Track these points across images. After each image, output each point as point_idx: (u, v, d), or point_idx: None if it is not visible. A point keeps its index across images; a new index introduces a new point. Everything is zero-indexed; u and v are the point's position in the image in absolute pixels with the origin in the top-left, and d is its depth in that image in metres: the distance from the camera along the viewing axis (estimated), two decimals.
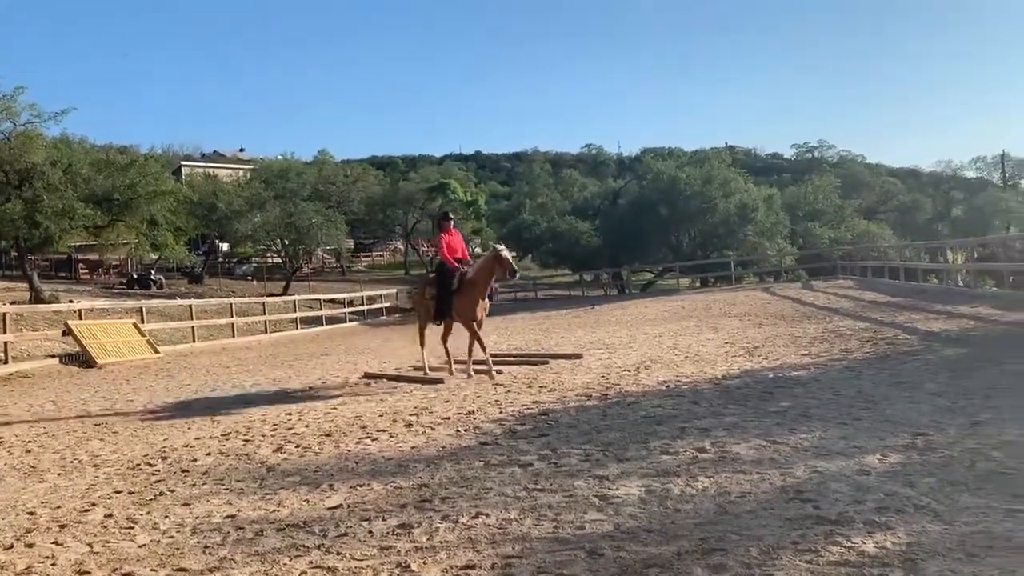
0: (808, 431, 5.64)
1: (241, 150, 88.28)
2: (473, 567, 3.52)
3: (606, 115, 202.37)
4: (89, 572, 3.89)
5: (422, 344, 11.17)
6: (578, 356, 11.94)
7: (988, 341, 9.96)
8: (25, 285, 29.27)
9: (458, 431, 6.76)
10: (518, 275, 10.83)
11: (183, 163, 66.86)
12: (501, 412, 7.51)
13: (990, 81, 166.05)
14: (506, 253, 10.33)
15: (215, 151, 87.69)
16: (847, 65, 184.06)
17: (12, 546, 4.42)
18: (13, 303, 21.63)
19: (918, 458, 4.72)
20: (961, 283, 21.31)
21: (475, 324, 10.26)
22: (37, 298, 27.15)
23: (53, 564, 4.06)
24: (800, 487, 4.29)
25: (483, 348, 10.27)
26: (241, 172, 58.92)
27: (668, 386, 8.31)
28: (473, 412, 7.61)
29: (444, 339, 11.10)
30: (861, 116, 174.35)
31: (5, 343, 16.02)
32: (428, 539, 3.96)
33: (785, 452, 5.11)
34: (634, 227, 41.57)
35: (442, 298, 10.42)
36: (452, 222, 11.20)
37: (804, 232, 45.12)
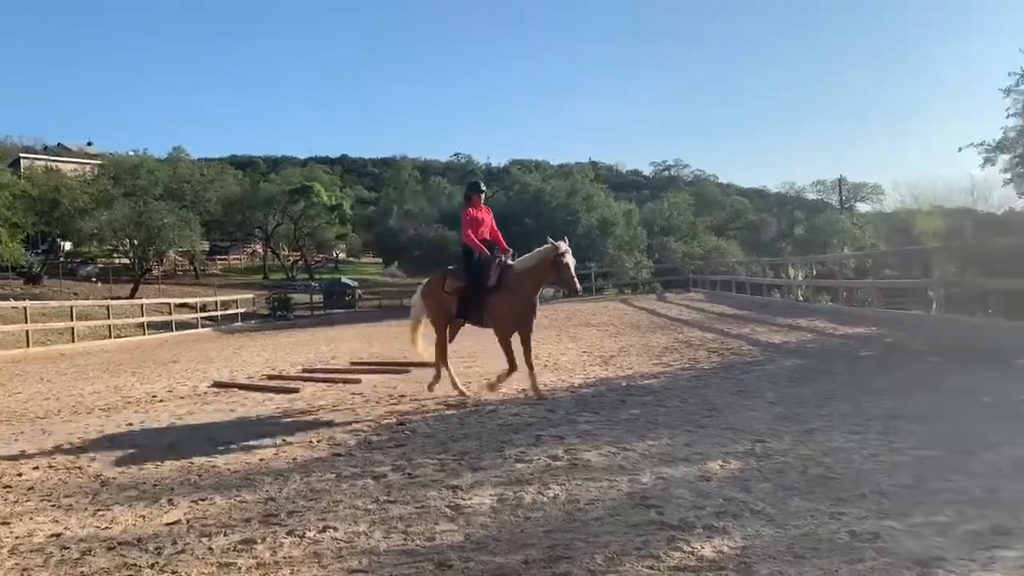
0: (656, 438, 5.83)
1: (89, 144, 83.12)
2: None
3: (477, 124, 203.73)
4: None
5: (442, 359, 8.75)
6: None
7: (823, 353, 10.64)
8: None
9: (311, 442, 6.57)
10: (579, 292, 8.53)
11: (22, 155, 62.09)
12: (357, 423, 7.36)
13: (832, 110, 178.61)
14: (570, 258, 7.86)
15: (60, 144, 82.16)
16: (704, 88, 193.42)
17: None
18: None
19: (756, 464, 4.95)
20: (801, 298, 22.72)
21: (514, 337, 8.19)
22: None
23: None
24: (646, 493, 4.42)
25: (530, 368, 8.14)
26: (88, 167, 55.34)
27: (527, 394, 8.39)
28: (328, 423, 7.41)
29: (442, 347, 8.73)
30: (715, 137, 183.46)
31: None
32: (271, 555, 3.81)
33: (633, 459, 5.25)
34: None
35: (471, 294, 8.22)
36: (483, 195, 8.76)
37: (660, 246, 47.04)
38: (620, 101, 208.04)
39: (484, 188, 8.86)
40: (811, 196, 72.39)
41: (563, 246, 7.80)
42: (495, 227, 8.72)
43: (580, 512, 4.16)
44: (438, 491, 4.74)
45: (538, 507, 4.31)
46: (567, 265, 7.77)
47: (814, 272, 24.84)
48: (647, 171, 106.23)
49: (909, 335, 11.70)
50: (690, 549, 3.51)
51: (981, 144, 14.00)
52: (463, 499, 4.54)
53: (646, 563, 3.38)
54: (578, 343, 14.16)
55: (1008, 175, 13.89)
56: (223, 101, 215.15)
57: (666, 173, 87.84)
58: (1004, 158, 13.78)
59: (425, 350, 9.11)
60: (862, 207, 70.54)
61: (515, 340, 8.18)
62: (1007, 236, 20.60)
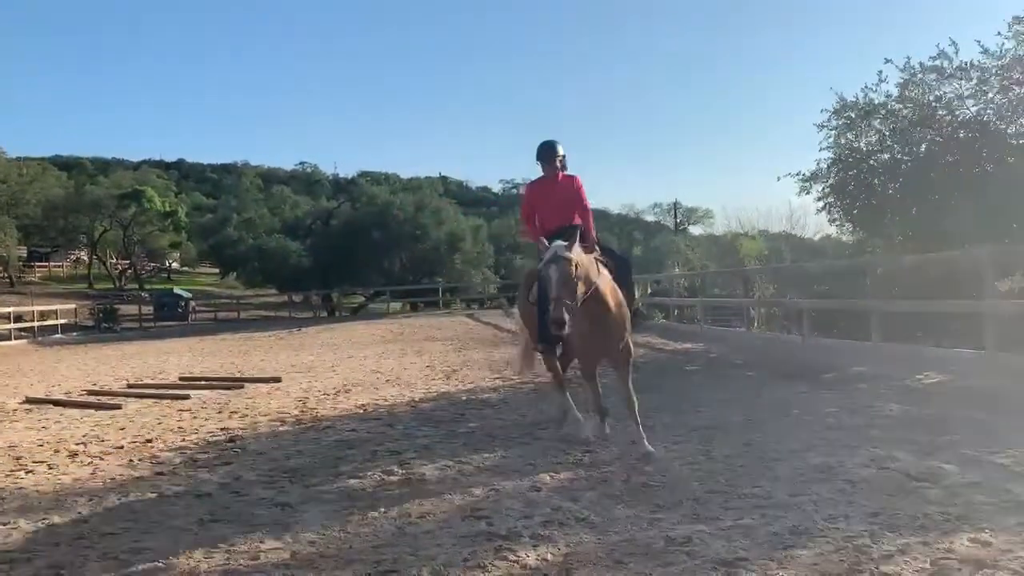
0: (491, 451, 5.93)
1: None
2: None
3: (323, 133, 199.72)
4: None
5: (558, 382, 6.84)
6: (277, 380, 11.58)
7: (652, 367, 11.16)
8: None
9: (131, 461, 6.22)
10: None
11: None
12: (184, 440, 7.03)
13: (665, 138, 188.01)
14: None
15: None
16: (547, 110, 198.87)
17: None
18: None
19: (584, 474, 5.14)
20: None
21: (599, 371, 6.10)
22: None
23: None
24: (477, 505, 4.48)
25: (632, 417, 5.72)
26: None
27: (366, 409, 8.31)
28: (151, 440, 7.04)
29: (553, 371, 6.87)
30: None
31: None
32: None
33: (468, 472, 5.32)
34: (347, 249, 41.30)
35: (544, 312, 5.50)
36: (560, 158, 6.20)
37: (506, 263, 47.81)
38: (470, 118, 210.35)
39: (554, 149, 6.16)
40: (649, 218, 75.99)
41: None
42: (583, 203, 6.24)
43: (411, 526, 4.17)
44: (266, 509, 4.62)
45: (368, 522, 4.28)
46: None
47: (649, 290, 26.05)
48: (496, 188, 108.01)
49: (731, 351, 12.49)
50: (516, 558, 3.60)
51: (798, 174, 15.19)
52: (291, 517, 4.44)
53: (472, 573, 3.44)
54: (422, 357, 14.19)
55: (821, 203, 15.10)
56: (45, 96, 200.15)
57: (515, 191, 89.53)
58: (817, 188, 14.99)
59: (528, 369, 7.36)
60: (695, 229, 74.65)
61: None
62: (821, 260, 22.42)
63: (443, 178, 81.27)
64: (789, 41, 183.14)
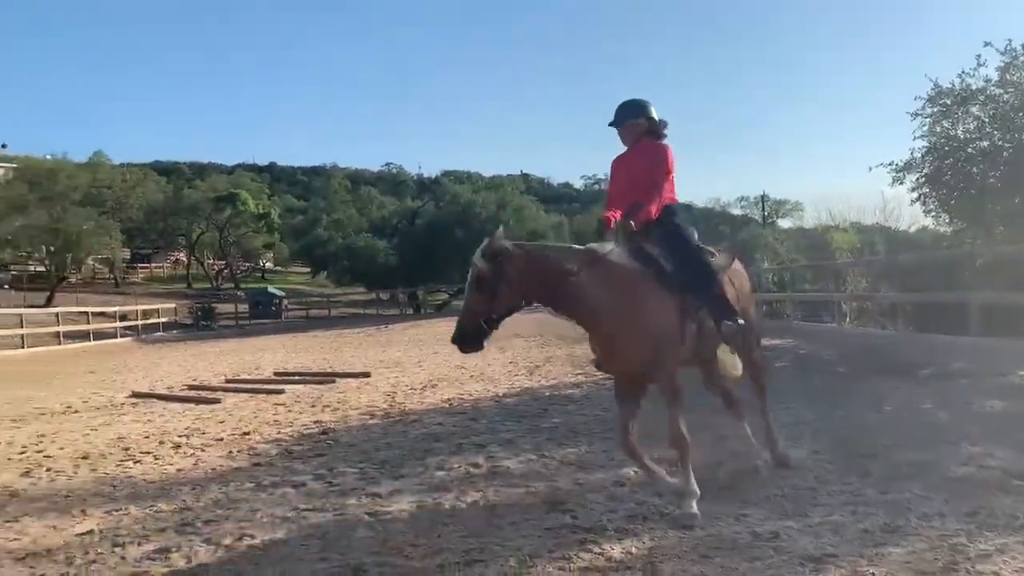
0: (575, 445, 5.97)
1: (3, 146, 79.78)
2: None
3: (408, 134, 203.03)
4: None
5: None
6: (366, 375, 11.88)
7: None
8: None
9: (230, 452, 6.51)
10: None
11: None
12: (279, 432, 7.32)
13: (756, 126, 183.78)
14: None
15: None
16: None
17: None
18: None
19: (667, 470, 5.12)
20: None
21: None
22: None
23: None
24: (561, 498, 4.53)
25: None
26: (2, 171, 53.17)
27: (451, 404, 8.47)
28: (249, 433, 7.35)
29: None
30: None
31: None
32: (186, 563, 3.80)
33: (552, 466, 5.38)
34: (431, 248, 41.94)
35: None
36: (638, 123, 4.78)
37: None
38: (551, 115, 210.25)
39: (629, 110, 4.82)
40: (736, 211, 74.45)
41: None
42: (651, 173, 4.71)
43: (497, 517, 4.25)
44: (357, 499, 4.78)
45: (456, 513, 4.39)
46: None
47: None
48: (578, 184, 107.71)
49: (821, 346, 12.18)
50: (600, 550, 3.64)
51: (891, 164, 14.66)
52: (382, 506, 4.59)
53: (557, 564, 3.50)
54: (505, 353, 14.29)
55: (915, 194, 14.54)
56: (146, 105, 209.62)
57: (596, 187, 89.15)
58: (911, 178, 14.45)
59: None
60: (783, 223, 72.77)
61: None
62: (916, 252, 21.58)
63: (524, 175, 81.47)
64: (891, 29, 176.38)
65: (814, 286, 22.26)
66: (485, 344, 4.05)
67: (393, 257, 43.90)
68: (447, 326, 18.49)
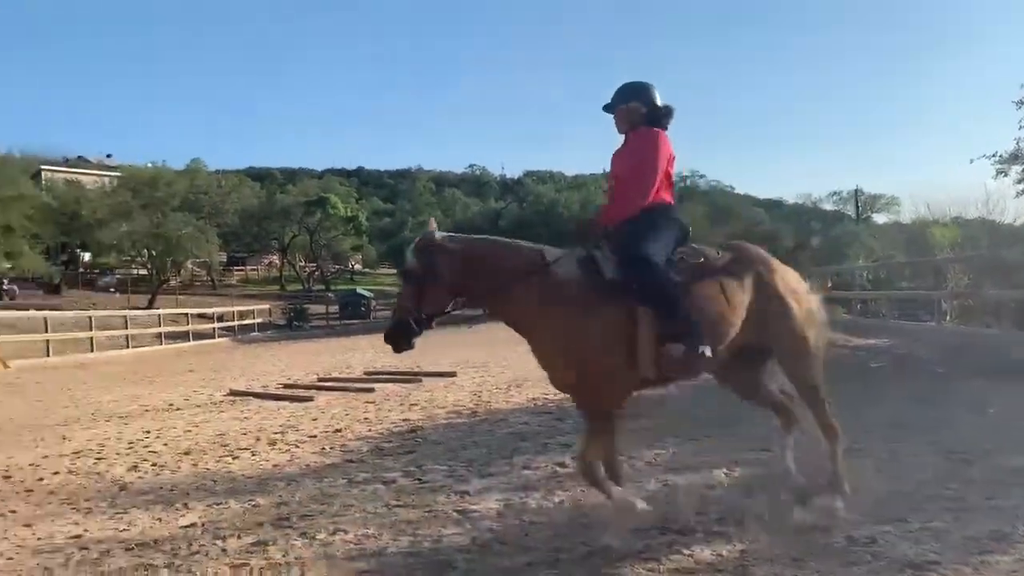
0: (663, 447, 5.91)
1: (108, 156, 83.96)
2: None
3: (492, 135, 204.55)
4: None
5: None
6: (452, 374, 12.03)
7: (833, 364, 10.61)
8: None
9: (323, 449, 6.70)
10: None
11: (43, 167, 62.86)
12: (370, 430, 7.48)
13: (850, 119, 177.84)
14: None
15: (80, 156, 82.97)
16: (715, 98, 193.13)
17: None
18: None
19: (760, 472, 5.02)
20: None
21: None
22: None
23: None
24: (649, 500, 4.49)
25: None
26: (107, 179, 56.04)
27: (537, 403, 8.49)
28: (341, 430, 7.54)
29: None
30: (731, 148, 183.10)
31: None
32: (283, 556, 3.93)
33: (639, 467, 5.34)
34: None
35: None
36: (628, 107, 4.31)
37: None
38: None
39: (620, 95, 4.36)
40: (828, 207, 72.01)
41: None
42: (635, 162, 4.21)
43: (583, 517, 4.25)
44: (446, 496, 4.85)
45: (543, 512, 4.41)
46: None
47: (829, 283, 24.85)
48: None
49: (919, 346, 11.71)
50: (690, 552, 3.60)
51: (994, 155, 14.00)
52: (470, 504, 4.65)
53: (646, 565, 3.47)
54: None
55: (1021, 186, 13.85)
56: (241, 113, 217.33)
57: (681, 183, 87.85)
58: (1017, 169, 13.77)
59: None
60: (879, 218, 70.10)
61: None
62: (1022, 247, 20.49)
63: (607, 174, 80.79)
64: (993, 16, 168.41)
65: (911, 284, 21.43)
66: (415, 343, 3.84)
67: None
68: None
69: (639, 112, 4.27)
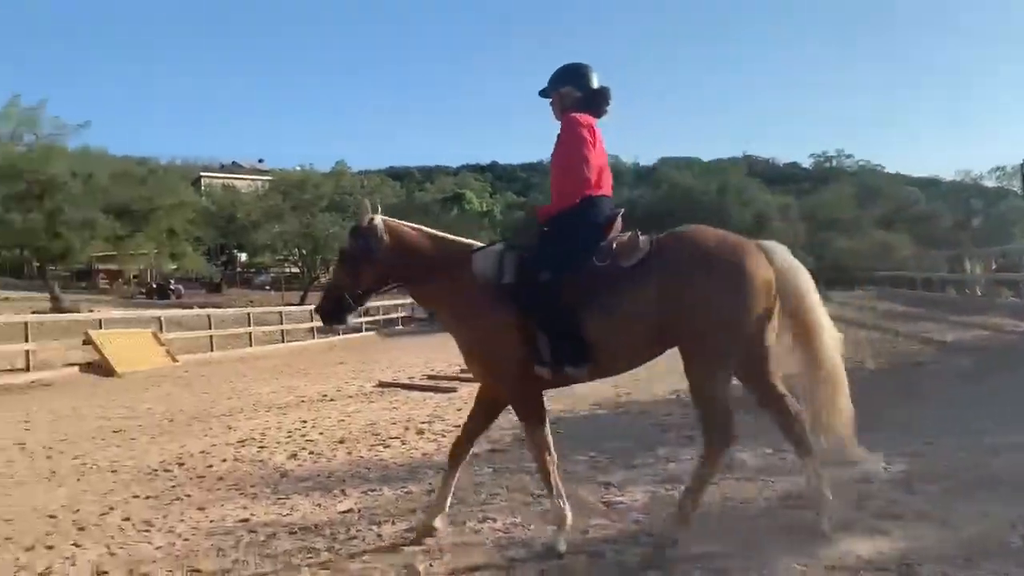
0: (815, 439, 5.67)
1: (260, 161, 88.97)
2: (478, 569, 3.61)
3: (624, 124, 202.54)
4: (107, 573, 4.01)
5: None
6: None
7: (1000, 351, 9.94)
8: (46, 295, 29.65)
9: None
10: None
11: (202, 174, 67.43)
12: (511, 421, 7.55)
13: (1014, 90, 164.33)
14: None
15: (234, 162, 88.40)
16: (866, 73, 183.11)
17: (33, 547, 4.54)
18: (34, 312, 21.97)
19: (921, 466, 4.76)
20: (980, 293, 21.17)
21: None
22: (58, 308, 27.53)
23: (72, 565, 4.19)
24: (802, 494, 4.34)
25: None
26: (260, 183, 59.42)
27: (679, 396, 8.34)
28: None
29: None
30: (883, 125, 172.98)
31: (27, 352, 16.27)
32: (436, 542, 4.05)
33: (790, 460, 5.15)
34: None
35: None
36: (560, 92, 4.17)
37: (821, 242, 45.05)
38: (773, 92, 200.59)
39: (552, 81, 4.23)
40: (989, 184, 67.00)
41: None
42: (556, 155, 4.12)
43: (733, 510, 4.16)
44: (591, 487, 4.86)
45: None
46: None
47: (994, 265, 23.08)
48: (806, 163, 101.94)
49: None
50: (848, 548, 3.46)
51: None
52: (616, 495, 4.64)
53: (801, 561, 3.36)
54: None
55: None
56: (380, 115, 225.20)
57: (827, 164, 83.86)
58: None
59: None
60: None
61: None
62: None
63: (747, 157, 78.45)
64: None
65: None
66: (348, 319, 4.22)
67: None
68: None
69: (573, 97, 4.10)
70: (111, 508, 5.34)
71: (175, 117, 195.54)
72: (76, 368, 16.87)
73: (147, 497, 5.61)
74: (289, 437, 7.67)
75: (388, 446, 6.83)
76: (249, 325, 24.91)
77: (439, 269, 4.04)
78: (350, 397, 10.59)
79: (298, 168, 59.99)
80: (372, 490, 5.30)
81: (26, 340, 16.48)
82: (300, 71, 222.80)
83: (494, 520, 4.33)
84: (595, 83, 4.11)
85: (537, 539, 3.97)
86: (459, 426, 7.38)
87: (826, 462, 4.98)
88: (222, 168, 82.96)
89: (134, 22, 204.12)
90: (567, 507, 3.83)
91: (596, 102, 4.10)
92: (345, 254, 4.17)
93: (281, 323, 26.88)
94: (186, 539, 4.50)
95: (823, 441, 3.77)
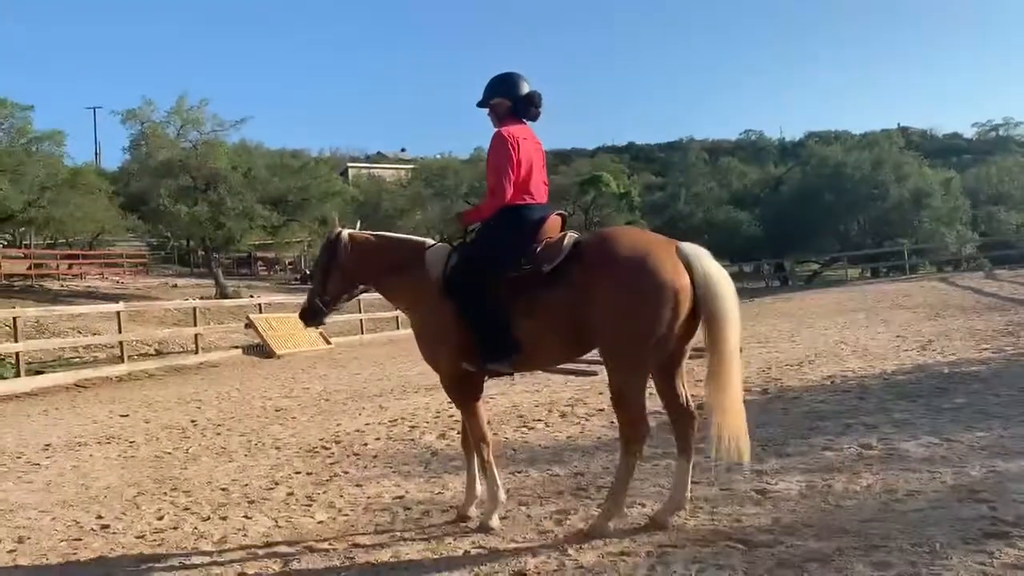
0: (986, 429, 5.31)
1: (402, 150, 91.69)
2: (628, 554, 3.60)
3: (766, 99, 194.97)
4: (275, 544, 4.27)
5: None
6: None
7: None
8: (211, 282, 31.79)
9: (612, 422, 6.77)
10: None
11: (349, 164, 70.17)
12: (655, 404, 7.47)
13: None
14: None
15: (378, 152, 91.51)
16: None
17: (209, 518, 4.91)
18: (201, 298, 23.61)
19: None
20: None
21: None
22: (222, 294, 29.44)
23: (244, 535, 4.49)
24: (975, 487, 4.07)
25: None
26: (403, 172, 61.22)
27: (833, 381, 8.01)
28: None
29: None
30: None
31: (196, 335, 17.56)
32: (584, 525, 4.07)
33: (959, 450, 4.85)
34: (797, 215, 39.81)
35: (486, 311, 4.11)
36: (492, 104, 4.42)
37: (987, 217, 41.80)
38: (930, 59, 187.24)
39: (485, 93, 4.48)
40: None
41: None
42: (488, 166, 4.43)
43: (898, 503, 3.95)
44: (743, 475, 4.73)
45: (850, 496, 4.16)
46: None
47: None
48: (968, 134, 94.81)
49: None
50: None
51: None
52: (769, 484, 4.51)
53: (976, 558, 3.15)
54: (890, 327, 13.15)
55: None
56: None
57: (993, 134, 77.65)
58: None
59: None
60: None
61: None
62: None
63: (902, 129, 73.51)
64: None
65: None
66: (325, 321, 4.89)
67: (756, 228, 42.48)
68: (820, 299, 17.92)
69: (504, 106, 4.38)
70: (276, 483, 5.69)
71: (324, 113, 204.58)
72: (239, 350, 18.05)
73: (308, 473, 5.94)
74: (437, 417, 7.89)
75: (532, 428, 6.91)
76: (395, 309, 25.75)
77: (397, 267, 4.52)
78: (492, 380, 10.75)
79: (438, 156, 61.41)
80: (519, 471, 5.37)
81: (195, 324, 17.77)
82: (433, 65, 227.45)
83: (643, 505, 4.32)
84: (524, 90, 4.38)
85: (688, 525, 3.91)
86: (602, 410, 7.42)
87: (1003, 453, 4.66)
88: (367, 158, 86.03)
89: (286, 24, 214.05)
90: (501, 489, 4.24)
91: (525, 108, 4.39)
92: (317, 264, 4.78)
93: None
94: (345, 514, 4.73)
95: (719, 440, 3.81)
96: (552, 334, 3.96)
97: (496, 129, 4.32)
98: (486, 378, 4.50)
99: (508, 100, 4.37)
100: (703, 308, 3.77)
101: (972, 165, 54.30)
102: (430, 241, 4.68)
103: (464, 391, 4.42)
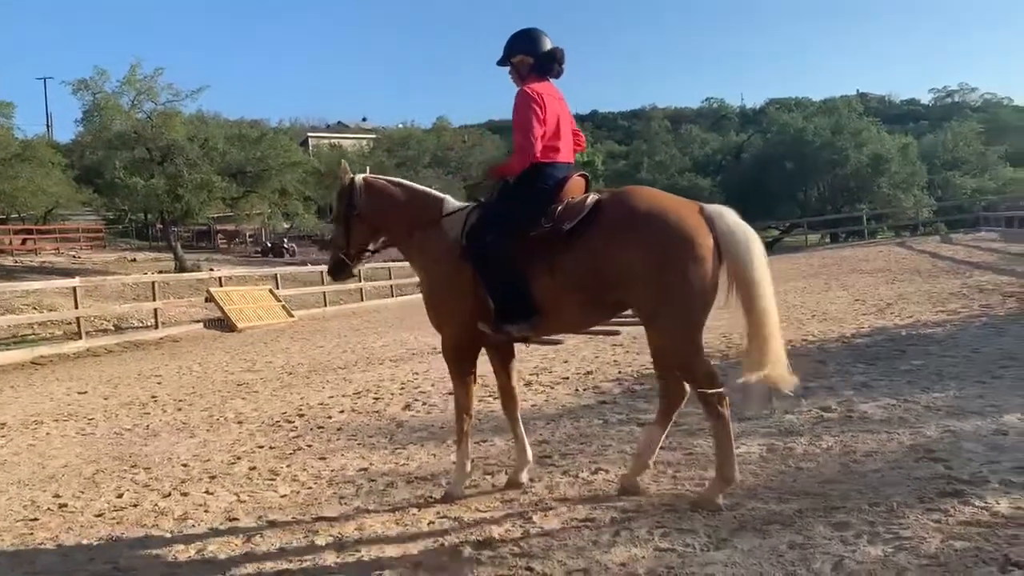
0: (942, 390, 5.42)
1: (364, 120, 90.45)
2: (592, 520, 3.62)
3: (728, 67, 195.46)
4: (237, 519, 4.23)
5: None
6: None
7: None
8: (170, 255, 31.27)
9: (577, 390, 6.85)
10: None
11: (309, 134, 69.04)
12: (620, 372, 7.54)
13: None
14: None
15: (339, 122, 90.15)
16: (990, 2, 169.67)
17: (170, 494, 4.84)
18: (160, 272, 23.22)
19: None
20: None
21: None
22: (181, 267, 29.01)
23: (206, 511, 4.43)
24: (931, 447, 4.15)
25: None
26: (364, 142, 60.50)
27: (793, 345, 8.09)
28: (591, 372, 7.67)
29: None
30: (1010, 54, 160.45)
31: (155, 310, 17.28)
32: (549, 492, 4.09)
33: (916, 411, 4.93)
34: (758, 182, 40.25)
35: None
36: (514, 62, 4.29)
37: (943, 182, 42.56)
38: (884, 25, 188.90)
39: (506, 51, 4.34)
40: None
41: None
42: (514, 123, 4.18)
43: (857, 464, 4.01)
44: (704, 439, 4.77)
45: (810, 458, 4.22)
46: None
47: None
48: (925, 99, 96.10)
49: None
50: (983, 505, 3.28)
51: None
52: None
53: (932, 516, 3.21)
54: (849, 291, 13.35)
55: None
56: (478, 70, 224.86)
57: (948, 100, 78.80)
58: None
59: None
60: None
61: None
62: None
63: (861, 95, 74.24)
64: None
65: None
66: (352, 273, 4.65)
67: (718, 195, 42.73)
68: (780, 264, 17.81)
69: (527, 64, 4.24)
70: (238, 457, 5.63)
71: (285, 82, 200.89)
72: (200, 324, 17.80)
73: (271, 447, 5.88)
74: (403, 389, 7.86)
75: (498, 398, 6.88)
76: (360, 280, 25.57)
77: (415, 226, 4.35)
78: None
79: (400, 125, 60.74)
80: (483, 440, 5.37)
81: (154, 299, 17.48)
82: (396, 30, 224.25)
83: (606, 471, 4.34)
84: (546, 46, 4.23)
85: (651, 490, 3.94)
86: (567, 378, 7.44)
87: (958, 413, 4.76)
88: (328, 128, 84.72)
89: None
90: (469, 464, 4.28)
91: (549, 64, 4.23)
92: (335, 216, 4.53)
93: (390, 278, 27.50)
94: (309, 487, 4.69)
95: (753, 378, 3.70)
96: (572, 295, 3.83)
97: (520, 87, 4.16)
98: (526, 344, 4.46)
99: (530, 57, 4.23)
100: (733, 268, 3.66)
101: (929, 131, 55.08)
102: (449, 198, 4.48)
103: (465, 359, 4.40)
